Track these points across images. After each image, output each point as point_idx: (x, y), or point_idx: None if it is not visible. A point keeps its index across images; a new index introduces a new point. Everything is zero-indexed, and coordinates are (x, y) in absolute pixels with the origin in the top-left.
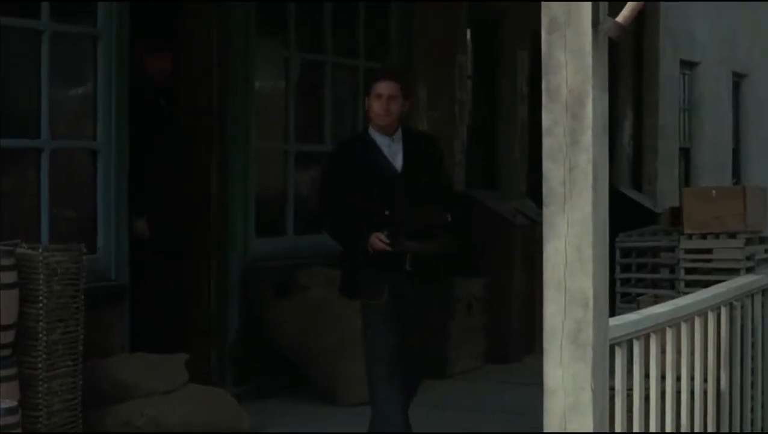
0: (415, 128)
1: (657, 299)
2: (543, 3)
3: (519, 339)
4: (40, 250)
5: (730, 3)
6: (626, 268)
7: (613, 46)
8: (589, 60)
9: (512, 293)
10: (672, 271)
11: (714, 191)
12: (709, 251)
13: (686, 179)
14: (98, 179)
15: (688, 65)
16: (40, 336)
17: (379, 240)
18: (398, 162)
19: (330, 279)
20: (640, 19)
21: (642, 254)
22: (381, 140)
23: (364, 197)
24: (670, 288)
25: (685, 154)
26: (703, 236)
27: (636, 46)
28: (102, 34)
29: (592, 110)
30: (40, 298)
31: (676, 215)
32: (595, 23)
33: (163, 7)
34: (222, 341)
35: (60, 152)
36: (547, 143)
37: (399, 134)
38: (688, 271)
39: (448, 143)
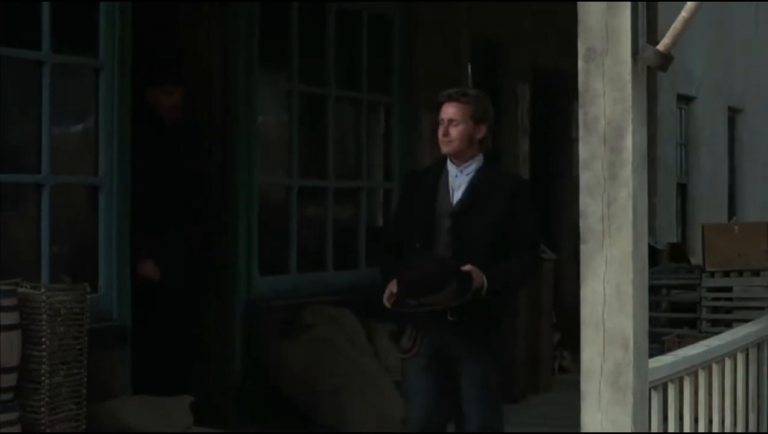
0: (503, 165)
1: (681, 340)
2: (579, 30)
3: (525, 379)
4: (43, 289)
5: (726, 37)
6: None
7: None
8: (629, 90)
9: (518, 333)
10: (694, 309)
11: (737, 227)
12: (731, 289)
13: (683, 214)
14: (100, 216)
15: (684, 99)
16: (43, 379)
17: (389, 293)
18: (457, 196)
19: (333, 317)
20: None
21: (659, 291)
22: (451, 170)
23: (410, 229)
24: (692, 327)
25: (682, 189)
26: (726, 274)
27: None
28: (104, 66)
29: (631, 143)
30: (43, 340)
31: (675, 251)
32: (635, 51)
33: (164, 40)
34: (225, 381)
35: (61, 187)
36: (584, 177)
37: (473, 166)
38: (711, 310)
39: None
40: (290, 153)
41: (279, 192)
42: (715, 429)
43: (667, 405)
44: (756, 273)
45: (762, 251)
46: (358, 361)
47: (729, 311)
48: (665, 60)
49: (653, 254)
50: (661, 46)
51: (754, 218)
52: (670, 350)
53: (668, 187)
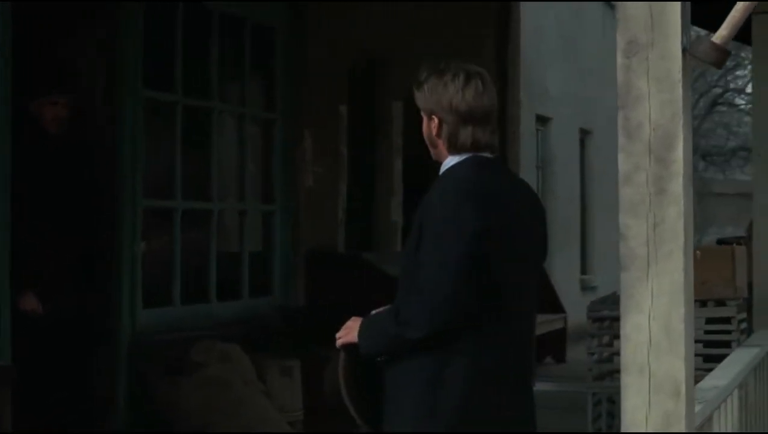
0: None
1: None
2: (619, 19)
3: None
4: None
5: (577, 54)
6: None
7: None
8: (679, 90)
9: None
10: None
11: (698, 253)
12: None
13: None
14: None
15: (542, 120)
16: None
17: None
18: None
19: (225, 354)
20: (502, 67)
21: (603, 324)
22: None
23: None
24: None
25: None
26: None
27: (498, 96)
28: None
29: (682, 153)
30: None
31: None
32: (684, 45)
33: (46, 51)
34: (110, 422)
35: None
36: (625, 193)
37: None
38: None
39: (333, 201)
40: (173, 173)
41: (161, 216)
42: None
43: None
44: (721, 303)
45: (727, 279)
46: (254, 403)
47: None
48: (722, 55)
49: None
50: (716, 38)
51: (603, 246)
52: None
53: None
